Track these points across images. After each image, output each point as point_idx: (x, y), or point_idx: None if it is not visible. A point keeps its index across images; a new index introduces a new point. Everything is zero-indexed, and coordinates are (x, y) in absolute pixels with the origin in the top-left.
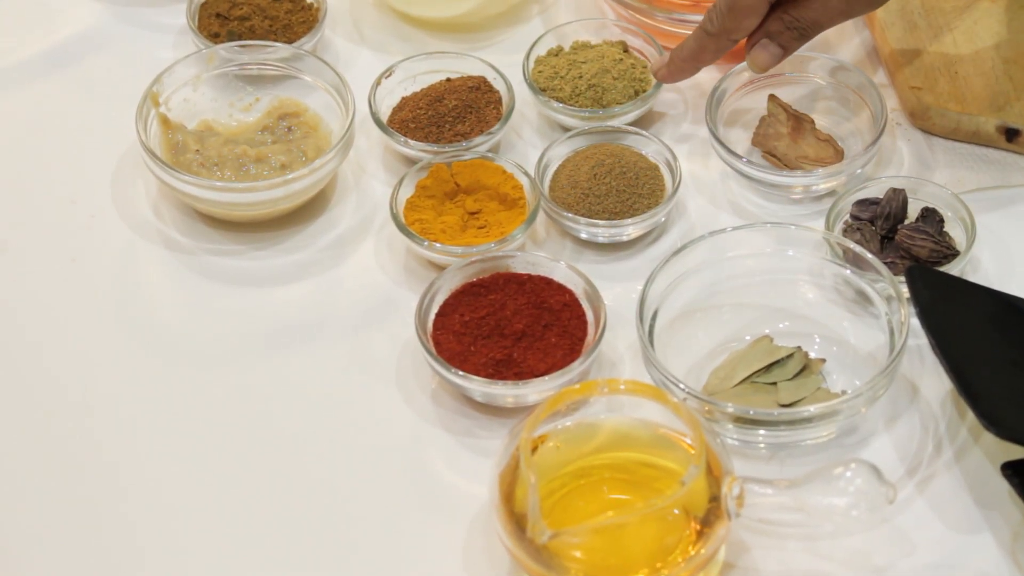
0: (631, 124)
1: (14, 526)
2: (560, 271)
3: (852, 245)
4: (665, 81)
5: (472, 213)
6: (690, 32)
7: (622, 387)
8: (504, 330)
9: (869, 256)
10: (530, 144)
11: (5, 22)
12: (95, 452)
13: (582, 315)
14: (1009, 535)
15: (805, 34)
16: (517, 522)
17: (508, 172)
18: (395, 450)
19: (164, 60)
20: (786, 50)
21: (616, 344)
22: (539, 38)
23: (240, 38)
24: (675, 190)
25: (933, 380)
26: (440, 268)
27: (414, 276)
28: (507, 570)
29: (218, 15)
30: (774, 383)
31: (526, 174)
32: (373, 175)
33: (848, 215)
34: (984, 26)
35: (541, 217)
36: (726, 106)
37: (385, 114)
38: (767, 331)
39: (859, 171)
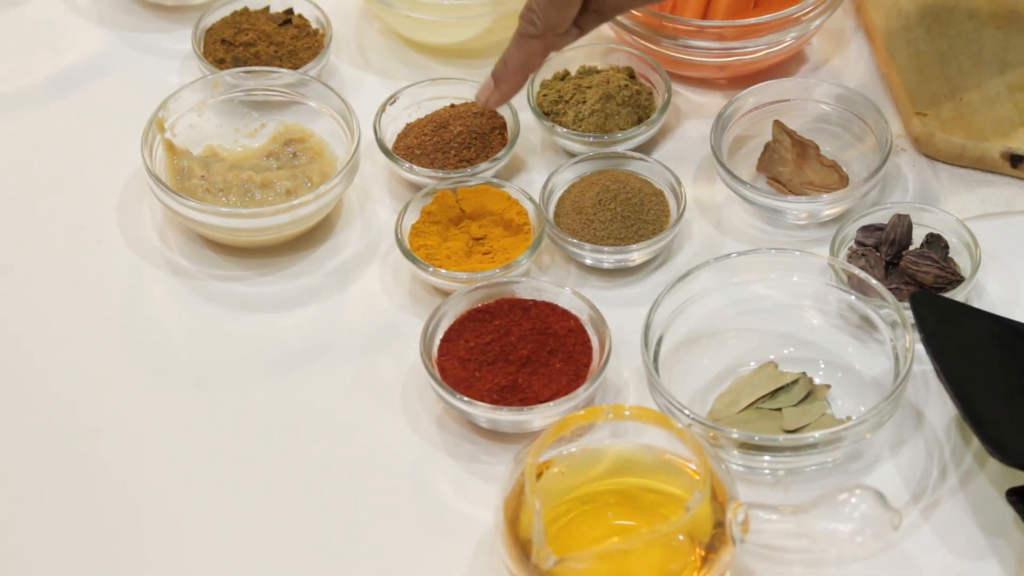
0: (636, 150)
1: (21, 548)
2: (565, 297)
3: (857, 271)
4: (498, 104)
5: (477, 239)
6: (696, 57)
7: (627, 413)
8: (509, 356)
9: (874, 282)
10: (535, 170)
11: (11, 47)
12: (101, 474)
13: (587, 341)
14: (1015, 561)
15: (604, 16)
16: (522, 547)
17: (513, 198)
18: (400, 475)
19: (170, 85)
20: (583, 31)
21: (621, 370)
22: (544, 63)
23: (245, 64)
24: (680, 216)
25: (938, 406)
26: (445, 294)
27: (419, 302)
28: None
29: (224, 41)
30: (779, 409)
31: (531, 200)
32: (378, 201)
33: (853, 241)
34: (990, 52)
35: (546, 243)
36: (731, 132)
37: (390, 140)
38: (772, 357)
39: (864, 197)
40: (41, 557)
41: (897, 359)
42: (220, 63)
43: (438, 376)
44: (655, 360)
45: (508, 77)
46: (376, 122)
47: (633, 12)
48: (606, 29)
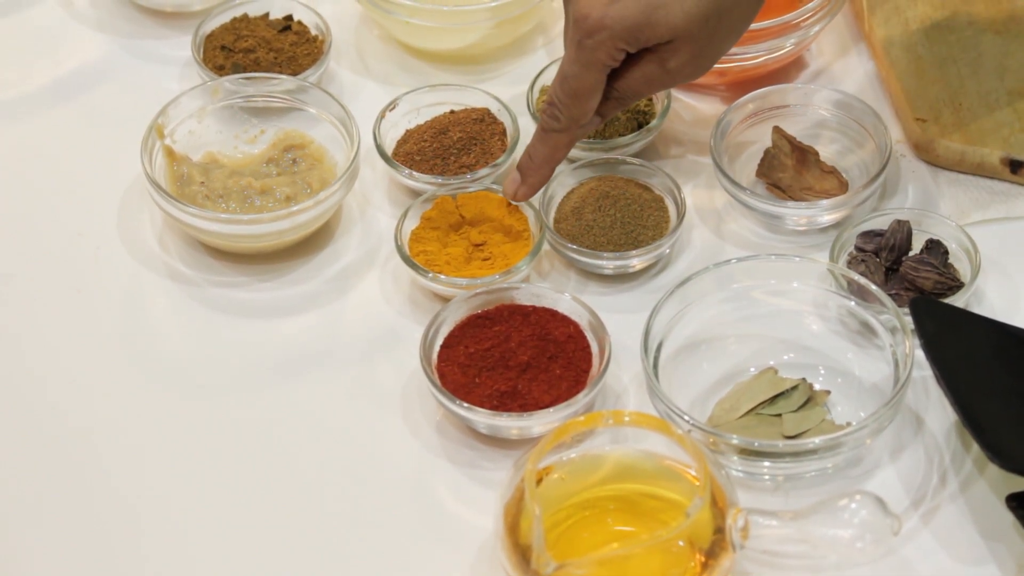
0: (635, 156)
1: (20, 553)
2: (564, 303)
3: (857, 277)
4: (525, 198)
5: (477, 245)
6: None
7: (627, 419)
8: (509, 362)
9: (873, 288)
10: None
11: (11, 55)
12: (101, 482)
13: (587, 347)
14: (1014, 567)
15: (623, 103)
16: (522, 553)
17: (513, 204)
18: (400, 481)
19: (169, 92)
20: (604, 117)
21: (621, 376)
22: (544, 68)
23: (245, 70)
24: (680, 222)
25: (938, 412)
26: (445, 300)
27: (419, 308)
28: None
29: (223, 47)
30: (779, 415)
31: (531, 206)
32: (378, 207)
33: (853, 247)
34: (989, 58)
35: (546, 249)
36: (731, 138)
37: (390, 146)
38: (772, 363)
39: (864, 203)
40: (41, 562)
41: (897, 365)
42: (220, 69)
43: (438, 382)
44: (655, 366)
45: (535, 171)
46: (376, 128)
47: None
48: None
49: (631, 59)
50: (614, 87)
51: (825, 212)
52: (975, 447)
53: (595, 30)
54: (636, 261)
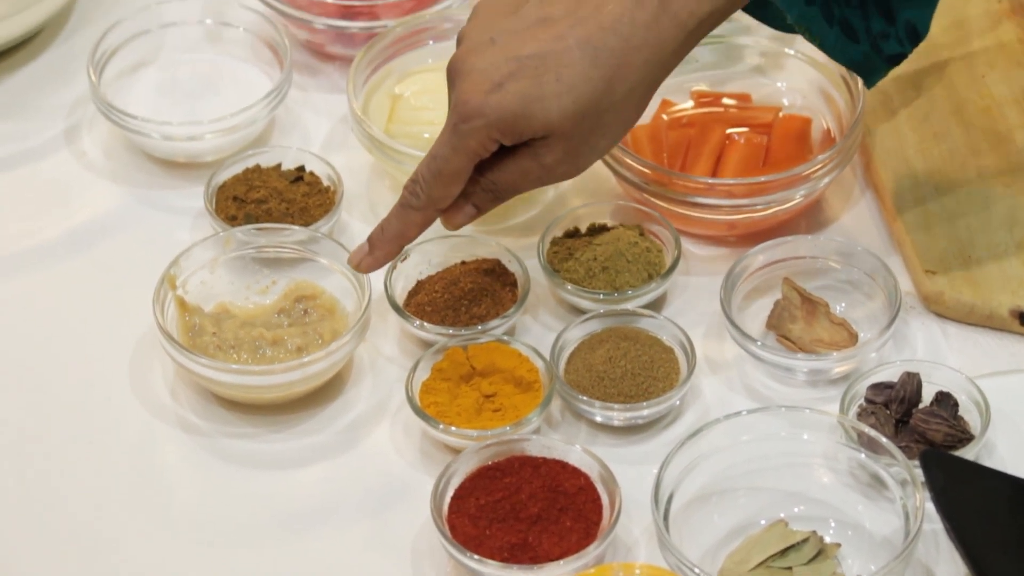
0: (646, 307)
1: None
2: (575, 454)
3: (867, 429)
4: (369, 269)
5: (487, 396)
6: (705, 215)
7: (637, 571)
8: (519, 514)
9: (884, 440)
10: (545, 326)
11: (26, 205)
12: None
13: (597, 499)
14: None
15: (500, 197)
16: None
17: (523, 355)
18: None
19: (182, 242)
20: (480, 210)
21: (631, 528)
22: (554, 220)
23: (257, 221)
24: (690, 373)
25: (949, 566)
26: (456, 451)
27: (430, 459)
28: None
29: (235, 198)
30: (789, 568)
31: (541, 357)
32: (389, 358)
33: (863, 399)
34: (997, 211)
35: (556, 400)
36: (740, 289)
37: (401, 297)
38: (782, 515)
39: (873, 355)
40: None
41: (907, 518)
42: (232, 220)
43: (448, 534)
44: (665, 518)
45: (384, 244)
46: (387, 279)
47: (643, 169)
48: (615, 186)
49: (508, 152)
50: (491, 180)
51: (835, 364)
52: None
53: (472, 116)
54: (647, 412)
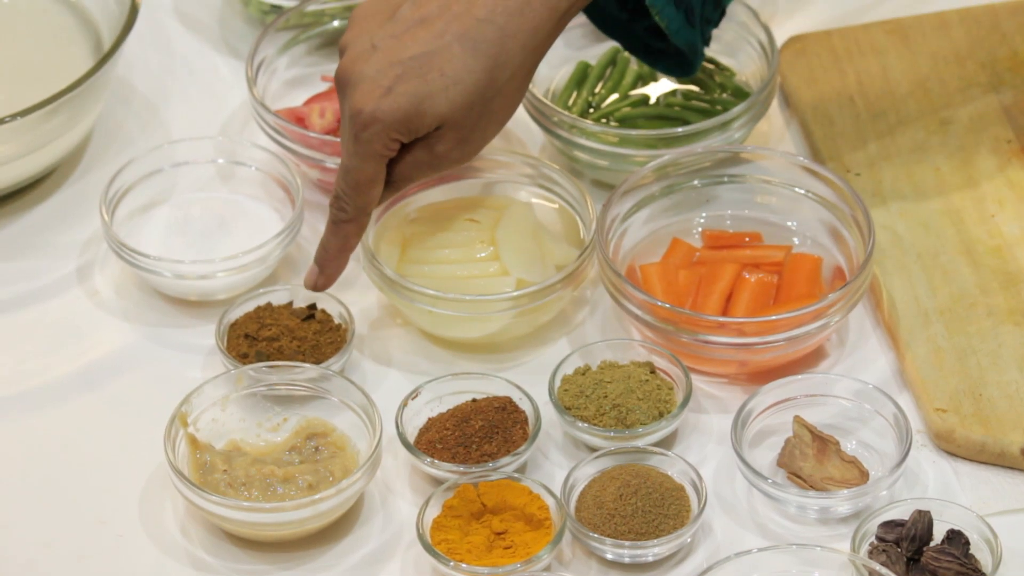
0: (657, 444)
1: None
2: None
3: (878, 567)
4: (324, 287)
5: (498, 533)
6: (715, 353)
7: None
8: None
9: None
10: (556, 464)
11: (39, 344)
12: None
13: None
14: None
15: (398, 188)
16: None
17: (534, 493)
18: None
19: (193, 380)
20: (379, 202)
21: None
22: (565, 358)
23: (268, 358)
24: (700, 511)
25: None
26: None
27: None
28: None
29: (247, 336)
30: None
31: (552, 494)
32: (400, 495)
33: (874, 536)
34: (1008, 349)
35: (567, 537)
36: (751, 427)
37: (412, 434)
38: None
39: (884, 492)
40: None
41: None
42: (243, 358)
43: None
44: None
45: (330, 262)
46: (398, 416)
47: (655, 305)
48: (628, 327)
49: (404, 147)
50: (389, 173)
51: (846, 502)
52: None
53: (369, 123)
54: (657, 550)
